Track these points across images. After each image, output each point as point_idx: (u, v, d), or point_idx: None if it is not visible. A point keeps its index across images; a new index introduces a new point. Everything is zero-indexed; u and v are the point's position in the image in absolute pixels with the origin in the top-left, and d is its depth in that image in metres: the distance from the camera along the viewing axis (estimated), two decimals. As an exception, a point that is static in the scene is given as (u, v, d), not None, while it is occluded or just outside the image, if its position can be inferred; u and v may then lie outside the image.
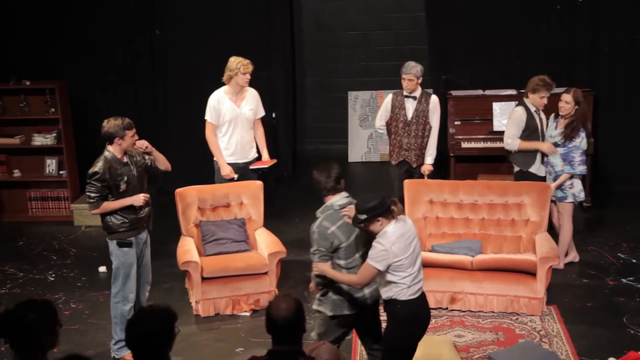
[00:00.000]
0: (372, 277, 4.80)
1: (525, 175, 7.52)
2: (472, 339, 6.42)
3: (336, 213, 4.99)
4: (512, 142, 7.47)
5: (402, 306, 4.82)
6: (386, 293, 4.87)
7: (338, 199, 5.06)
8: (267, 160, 7.81)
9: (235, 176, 7.57)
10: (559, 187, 7.34)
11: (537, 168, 7.57)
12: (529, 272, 6.74)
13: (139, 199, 6.02)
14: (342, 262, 4.99)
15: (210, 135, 7.63)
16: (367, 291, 5.05)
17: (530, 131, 7.51)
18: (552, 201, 7.32)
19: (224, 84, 7.61)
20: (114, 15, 9.58)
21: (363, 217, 4.69)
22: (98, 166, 5.92)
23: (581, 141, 7.29)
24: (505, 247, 7.16)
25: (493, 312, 6.80)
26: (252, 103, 7.69)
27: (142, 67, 9.80)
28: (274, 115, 10.03)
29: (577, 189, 7.40)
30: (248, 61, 7.47)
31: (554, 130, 7.38)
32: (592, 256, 7.92)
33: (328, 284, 5.03)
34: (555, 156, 7.31)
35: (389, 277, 4.78)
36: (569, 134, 7.24)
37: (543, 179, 7.44)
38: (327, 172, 5.04)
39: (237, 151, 7.67)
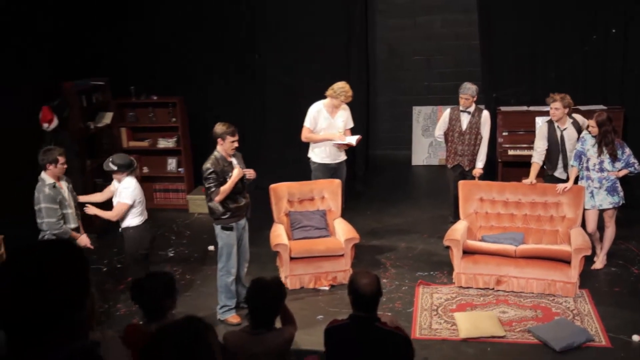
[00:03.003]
0: (125, 210, 6.07)
1: (552, 178, 7.35)
2: (515, 315, 6.27)
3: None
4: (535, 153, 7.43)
5: (134, 230, 6.15)
6: (125, 223, 6.14)
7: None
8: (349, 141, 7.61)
9: (340, 139, 7.46)
10: (613, 194, 6.94)
11: (559, 173, 7.36)
12: (564, 260, 6.56)
13: (248, 172, 6.13)
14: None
15: (306, 134, 7.60)
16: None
17: (550, 143, 7.34)
18: (602, 210, 7.02)
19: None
20: (224, 42, 9.70)
21: (114, 167, 6.02)
22: (209, 163, 5.97)
23: (625, 146, 6.94)
24: (544, 239, 7.00)
25: (533, 293, 6.63)
26: (344, 115, 7.62)
27: (245, 85, 9.89)
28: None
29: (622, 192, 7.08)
30: (351, 93, 7.42)
31: (597, 146, 6.91)
32: (620, 249, 7.61)
33: None
34: (593, 171, 6.97)
35: (131, 210, 6.09)
36: (612, 153, 6.83)
37: (564, 181, 7.19)
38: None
39: (331, 154, 7.62)
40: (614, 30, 8.83)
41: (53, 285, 1.67)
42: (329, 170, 7.65)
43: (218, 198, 5.99)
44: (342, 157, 7.76)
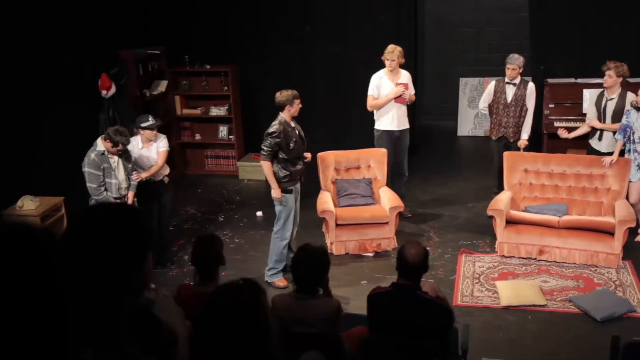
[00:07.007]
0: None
1: (589, 145, 7.30)
2: (556, 284, 6.20)
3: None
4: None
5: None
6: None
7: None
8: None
9: (402, 87, 7.42)
10: None
11: (595, 143, 7.23)
12: (607, 231, 6.44)
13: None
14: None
15: (370, 102, 7.52)
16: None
17: (597, 109, 7.25)
18: None
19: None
20: (275, 13, 9.66)
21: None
22: (275, 127, 5.95)
23: None
24: (588, 211, 6.88)
25: (575, 263, 6.54)
26: (404, 81, 7.54)
27: (296, 55, 9.85)
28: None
29: None
30: (390, 50, 7.33)
31: (637, 121, 6.76)
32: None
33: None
34: (639, 144, 6.81)
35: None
36: None
37: (598, 151, 7.11)
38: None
39: (395, 121, 7.52)
40: None
41: (114, 248, 1.71)
42: (391, 139, 7.56)
43: (264, 163, 6.03)
44: (406, 124, 7.66)
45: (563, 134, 7.30)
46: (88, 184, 5.93)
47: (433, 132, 11.81)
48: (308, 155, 6.33)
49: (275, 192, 6.09)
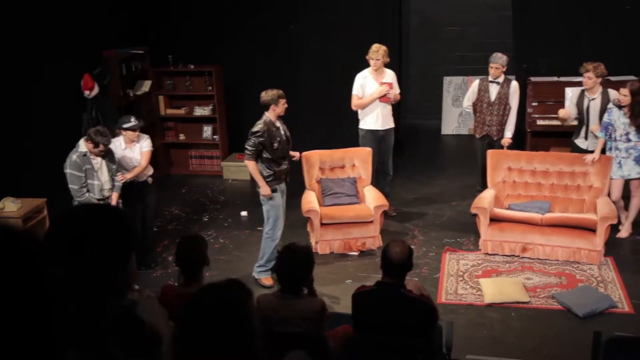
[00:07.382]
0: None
1: (573, 143, 7.40)
2: (539, 281, 6.26)
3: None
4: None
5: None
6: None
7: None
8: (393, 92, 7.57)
9: (387, 87, 7.42)
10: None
11: (580, 141, 7.31)
12: (590, 228, 6.51)
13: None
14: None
15: (355, 102, 7.52)
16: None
17: (578, 110, 7.33)
18: (629, 179, 6.97)
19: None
20: (260, 12, 9.62)
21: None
22: (259, 126, 5.96)
23: None
24: (570, 208, 6.95)
25: (558, 260, 6.60)
26: (389, 80, 7.55)
27: (281, 55, 9.82)
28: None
29: None
30: (375, 50, 7.34)
31: (622, 117, 6.86)
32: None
33: None
34: (620, 141, 6.90)
35: None
36: (636, 124, 6.77)
37: (583, 150, 7.18)
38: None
39: (379, 120, 7.54)
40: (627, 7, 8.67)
41: (97, 249, 1.71)
42: (376, 138, 7.59)
43: (248, 162, 6.06)
44: (391, 123, 7.69)
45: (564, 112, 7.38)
46: (70, 186, 5.91)
47: (417, 131, 11.85)
48: (296, 154, 6.36)
49: (264, 190, 6.10)
